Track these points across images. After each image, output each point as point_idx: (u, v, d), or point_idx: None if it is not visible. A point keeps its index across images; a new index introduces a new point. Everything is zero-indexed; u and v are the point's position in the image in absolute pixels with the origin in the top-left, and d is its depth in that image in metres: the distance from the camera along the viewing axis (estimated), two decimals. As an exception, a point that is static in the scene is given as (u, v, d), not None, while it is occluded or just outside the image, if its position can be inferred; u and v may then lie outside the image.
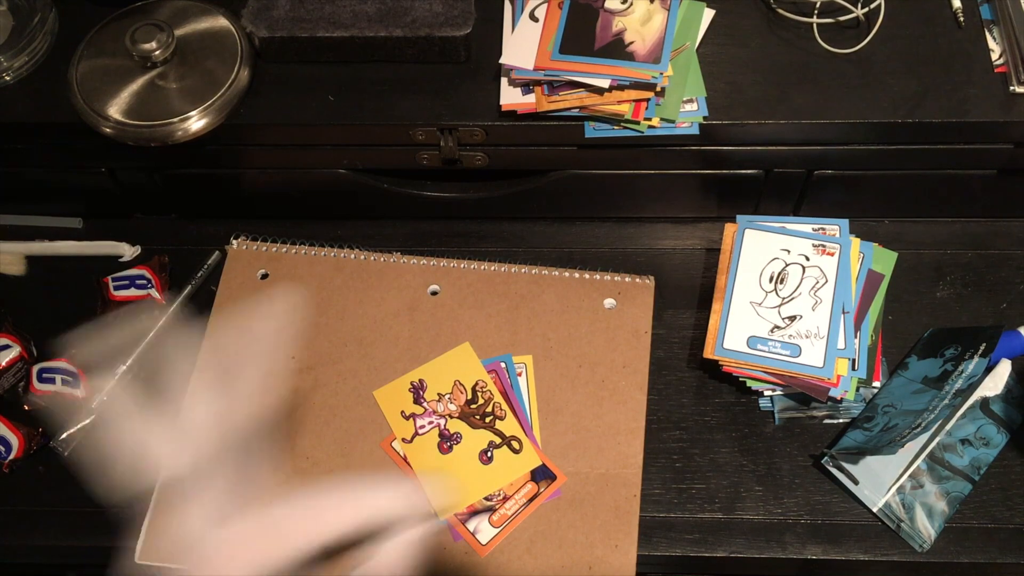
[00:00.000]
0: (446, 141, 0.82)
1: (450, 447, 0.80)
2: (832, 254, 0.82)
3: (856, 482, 0.77)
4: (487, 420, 0.81)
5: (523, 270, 0.88)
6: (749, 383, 0.80)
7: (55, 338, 0.85)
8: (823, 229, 0.84)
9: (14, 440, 0.79)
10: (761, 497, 0.79)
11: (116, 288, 0.86)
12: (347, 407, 0.82)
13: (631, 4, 0.82)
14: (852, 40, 0.83)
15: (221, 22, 0.84)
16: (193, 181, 0.89)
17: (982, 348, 0.78)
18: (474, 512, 0.77)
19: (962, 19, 0.84)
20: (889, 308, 0.86)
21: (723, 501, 0.78)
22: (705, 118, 0.80)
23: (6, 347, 0.83)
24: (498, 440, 0.80)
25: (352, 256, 0.89)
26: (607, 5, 0.82)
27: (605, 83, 0.77)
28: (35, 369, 0.82)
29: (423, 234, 0.92)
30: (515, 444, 0.80)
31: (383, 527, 0.74)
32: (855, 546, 0.76)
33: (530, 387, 0.82)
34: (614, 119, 0.79)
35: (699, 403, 0.83)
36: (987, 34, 0.83)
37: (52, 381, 0.82)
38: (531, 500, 0.78)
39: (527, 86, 0.80)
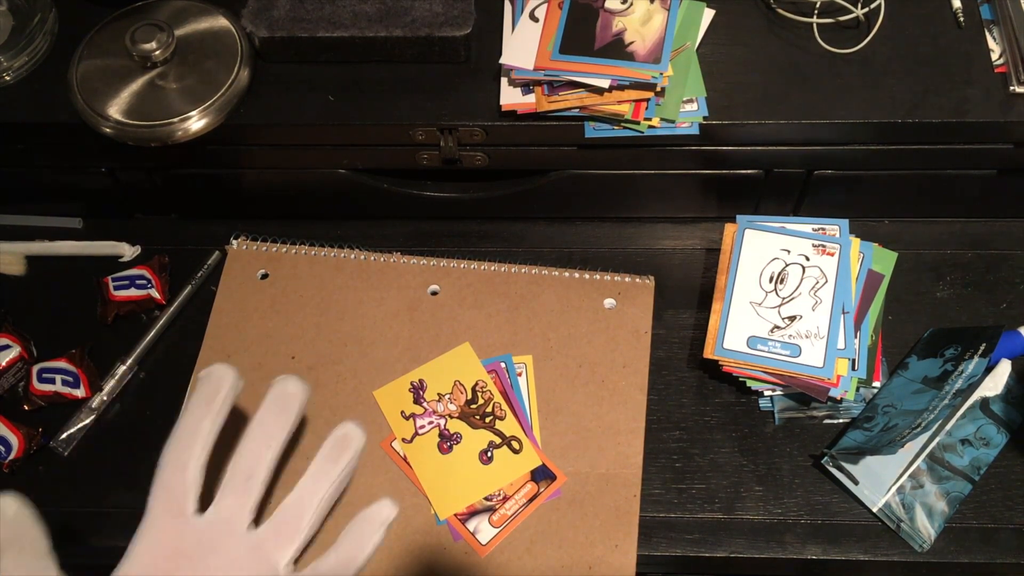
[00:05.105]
0: (446, 141, 0.82)
1: (450, 447, 0.80)
2: (832, 254, 0.82)
3: (856, 482, 0.77)
4: (487, 420, 0.81)
5: (523, 270, 0.88)
6: (749, 383, 0.80)
7: (55, 338, 0.85)
8: (823, 229, 0.84)
9: (14, 440, 0.79)
10: (761, 497, 0.79)
11: (116, 288, 0.86)
12: (347, 407, 0.82)
13: (631, 4, 0.82)
14: (852, 40, 0.83)
15: (221, 22, 0.83)
16: (193, 181, 0.89)
17: (982, 348, 0.78)
18: (474, 512, 0.77)
19: (962, 19, 0.84)
20: (889, 308, 0.86)
21: (723, 501, 0.78)
22: (705, 118, 0.79)
23: (6, 347, 0.83)
24: (498, 440, 0.80)
25: (352, 256, 0.89)
26: (607, 5, 0.82)
27: (605, 83, 0.77)
28: (35, 369, 0.82)
29: (423, 234, 0.92)
30: (515, 444, 0.80)
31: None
32: (855, 546, 0.76)
33: (530, 387, 0.82)
34: (614, 119, 0.79)
35: (699, 403, 0.83)
36: (987, 34, 0.83)
37: (52, 381, 0.82)
38: (531, 500, 0.78)
39: (527, 86, 0.80)
